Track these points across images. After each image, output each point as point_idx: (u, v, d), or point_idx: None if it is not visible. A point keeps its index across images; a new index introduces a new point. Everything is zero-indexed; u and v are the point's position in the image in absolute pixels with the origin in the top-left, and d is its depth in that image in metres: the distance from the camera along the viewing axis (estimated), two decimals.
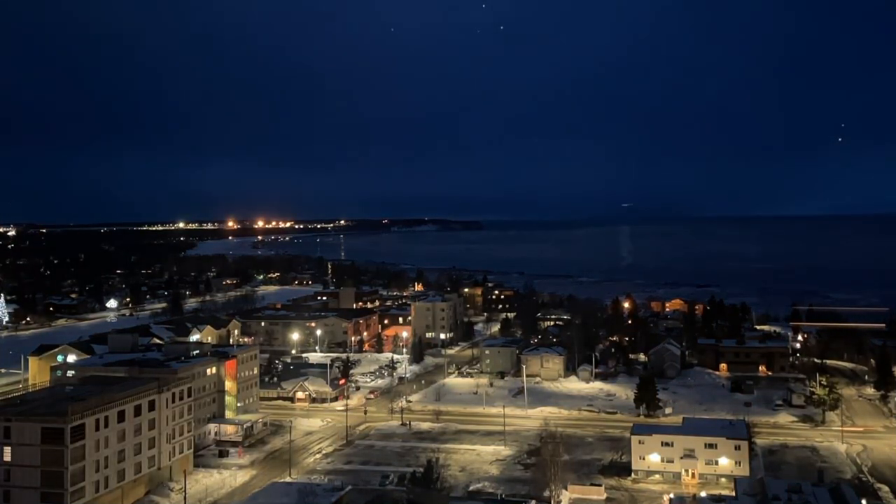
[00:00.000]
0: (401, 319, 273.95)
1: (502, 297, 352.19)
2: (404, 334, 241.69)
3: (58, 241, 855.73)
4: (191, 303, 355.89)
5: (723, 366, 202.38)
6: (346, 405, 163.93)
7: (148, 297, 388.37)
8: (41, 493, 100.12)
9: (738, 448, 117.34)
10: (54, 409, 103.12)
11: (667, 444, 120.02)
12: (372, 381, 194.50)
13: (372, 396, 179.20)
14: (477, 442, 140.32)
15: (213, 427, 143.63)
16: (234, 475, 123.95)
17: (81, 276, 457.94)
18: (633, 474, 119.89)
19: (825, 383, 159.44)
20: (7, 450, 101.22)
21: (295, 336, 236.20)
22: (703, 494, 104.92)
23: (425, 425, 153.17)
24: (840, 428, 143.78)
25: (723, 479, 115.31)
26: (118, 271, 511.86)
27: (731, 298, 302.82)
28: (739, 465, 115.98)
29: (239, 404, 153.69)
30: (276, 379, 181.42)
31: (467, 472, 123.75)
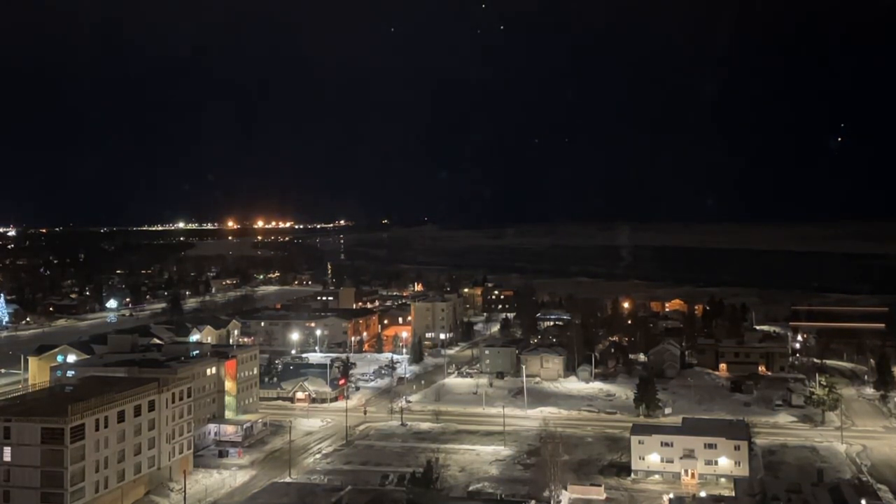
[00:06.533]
0: (401, 319, 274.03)
1: (502, 297, 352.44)
2: (404, 334, 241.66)
3: (58, 241, 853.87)
4: (191, 303, 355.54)
5: (722, 366, 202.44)
6: (346, 405, 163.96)
7: (148, 297, 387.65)
8: (41, 493, 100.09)
9: (737, 448, 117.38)
10: (54, 409, 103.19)
11: (666, 445, 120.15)
12: (372, 381, 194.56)
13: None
14: (477, 442, 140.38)
15: (212, 427, 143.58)
16: (233, 475, 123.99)
17: (81, 276, 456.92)
18: (632, 474, 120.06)
19: (825, 383, 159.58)
20: (7, 450, 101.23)
21: (295, 336, 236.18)
22: (702, 494, 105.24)
23: (425, 425, 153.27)
24: (839, 427, 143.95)
25: (722, 480, 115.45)
26: (118, 271, 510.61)
27: (731, 298, 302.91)
28: (739, 466, 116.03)
29: (239, 404, 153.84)
30: (275, 379, 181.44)
31: (467, 472, 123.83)
